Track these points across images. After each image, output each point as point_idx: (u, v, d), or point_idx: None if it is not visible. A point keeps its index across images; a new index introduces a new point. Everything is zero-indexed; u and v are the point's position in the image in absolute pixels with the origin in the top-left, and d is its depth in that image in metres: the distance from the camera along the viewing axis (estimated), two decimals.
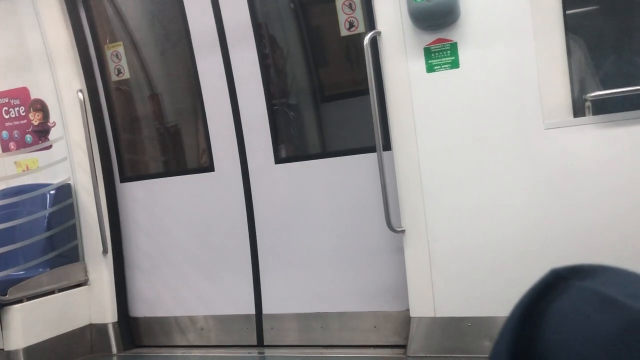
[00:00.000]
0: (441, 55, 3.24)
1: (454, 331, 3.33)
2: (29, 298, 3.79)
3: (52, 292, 3.94)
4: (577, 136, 3.07)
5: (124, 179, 4.27)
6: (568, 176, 3.08)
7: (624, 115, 3.02)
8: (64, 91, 4.14)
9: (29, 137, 4.31)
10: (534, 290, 0.40)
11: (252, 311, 3.95)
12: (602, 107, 3.09)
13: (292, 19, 3.95)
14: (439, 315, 3.37)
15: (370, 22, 3.51)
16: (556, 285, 0.39)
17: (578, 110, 3.13)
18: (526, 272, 3.07)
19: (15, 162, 4.37)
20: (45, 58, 4.13)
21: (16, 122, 4.33)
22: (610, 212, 3.02)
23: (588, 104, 3.11)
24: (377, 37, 3.37)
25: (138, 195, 4.24)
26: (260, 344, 3.93)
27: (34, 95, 4.26)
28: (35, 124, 4.27)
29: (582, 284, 0.39)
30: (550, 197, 3.12)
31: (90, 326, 4.15)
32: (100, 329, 4.16)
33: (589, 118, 3.09)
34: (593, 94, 3.11)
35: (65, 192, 4.17)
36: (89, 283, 4.18)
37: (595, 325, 0.35)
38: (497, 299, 3.18)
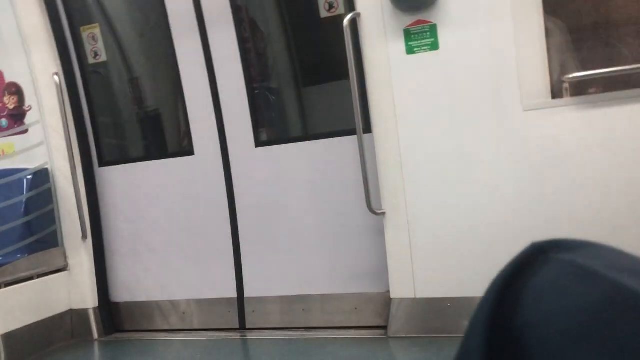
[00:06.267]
0: (421, 37, 3.23)
1: (434, 312, 3.37)
2: (7, 284, 3.73)
3: (31, 278, 3.89)
4: (556, 118, 3.09)
5: (102, 163, 4.22)
6: (547, 158, 3.11)
7: (602, 97, 3.04)
8: (39, 74, 4.05)
9: (4, 122, 4.23)
10: (512, 264, 0.39)
11: (234, 294, 3.95)
12: (581, 89, 3.11)
13: (271, 0, 3.90)
14: (419, 296, 3.40)
15: (349, 3, 3.48)
16: (535, 259, 0.39)
17: (557, 92, 3.14)
18: (505, 253, 3.08)
19: None
20: (19, 40, 4.04)
21: None
22: (589, 193, 3.05)
23: (566, 85, 3.13)
24: (357, 18, 3.35)
25: (117, 180, 4.20)
26: (242, 326, 3.94)
27: (8, 78, 4.17)
28: (11, 107, 4.19)
29: (562, 257, 0.38)
30: (529, 179, 3.15)
31: (71, 312, 4.12)
32: (81, 314, 4.13)
33: (567, 100, 3.11)
34: (571, 76, 3.13)
35: (42, 176, 4.11)
36: (68, 268, 4.14)
37: (575, 298, 0.34)
38: (476, 279, 3.20)
